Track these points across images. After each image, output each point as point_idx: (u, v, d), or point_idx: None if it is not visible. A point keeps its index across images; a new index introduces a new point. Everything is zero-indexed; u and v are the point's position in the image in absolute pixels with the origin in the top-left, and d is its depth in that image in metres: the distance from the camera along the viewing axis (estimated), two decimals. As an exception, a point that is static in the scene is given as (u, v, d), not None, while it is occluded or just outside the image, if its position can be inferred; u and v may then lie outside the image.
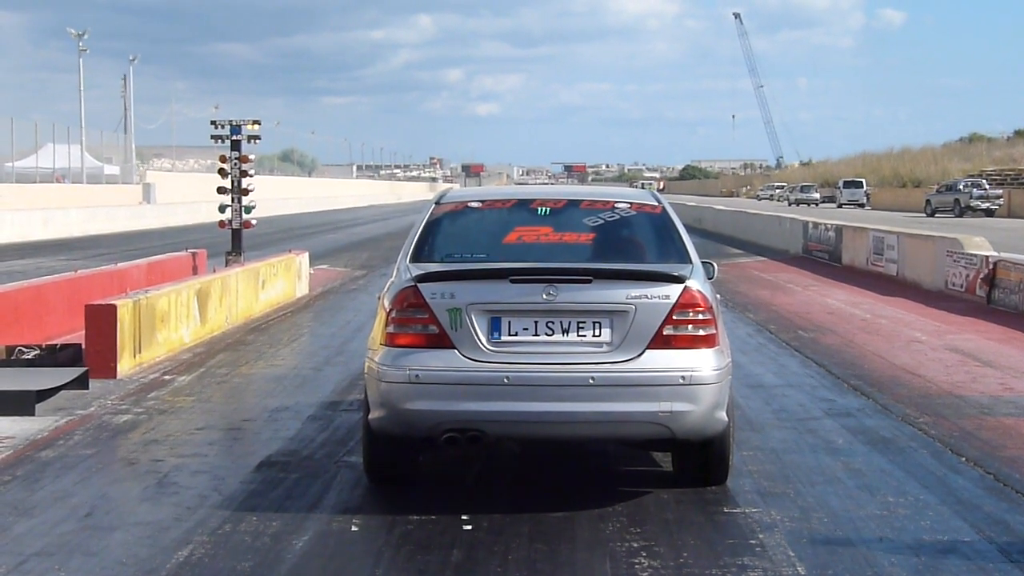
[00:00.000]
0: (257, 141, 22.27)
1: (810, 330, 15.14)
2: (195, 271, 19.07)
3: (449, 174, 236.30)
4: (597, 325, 6.64)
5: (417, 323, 6.65)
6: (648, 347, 6.61)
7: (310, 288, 20.89)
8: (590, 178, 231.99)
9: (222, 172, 21.99)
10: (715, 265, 7.70)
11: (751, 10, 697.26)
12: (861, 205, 76.31)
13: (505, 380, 6.53)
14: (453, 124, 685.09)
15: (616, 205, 7.64)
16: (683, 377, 6.56)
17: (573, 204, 7.67)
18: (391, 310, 6.74)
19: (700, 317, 6.68)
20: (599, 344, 6.63)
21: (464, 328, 6.60)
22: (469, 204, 7.83)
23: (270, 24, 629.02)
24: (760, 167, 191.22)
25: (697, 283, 6.79)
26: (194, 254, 20.04)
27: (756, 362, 12.48)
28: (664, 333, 6.62)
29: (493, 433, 6.70)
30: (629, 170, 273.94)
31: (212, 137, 22.16)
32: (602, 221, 7.49)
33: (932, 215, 58.08)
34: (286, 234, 42.09)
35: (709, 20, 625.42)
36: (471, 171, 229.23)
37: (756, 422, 9.32)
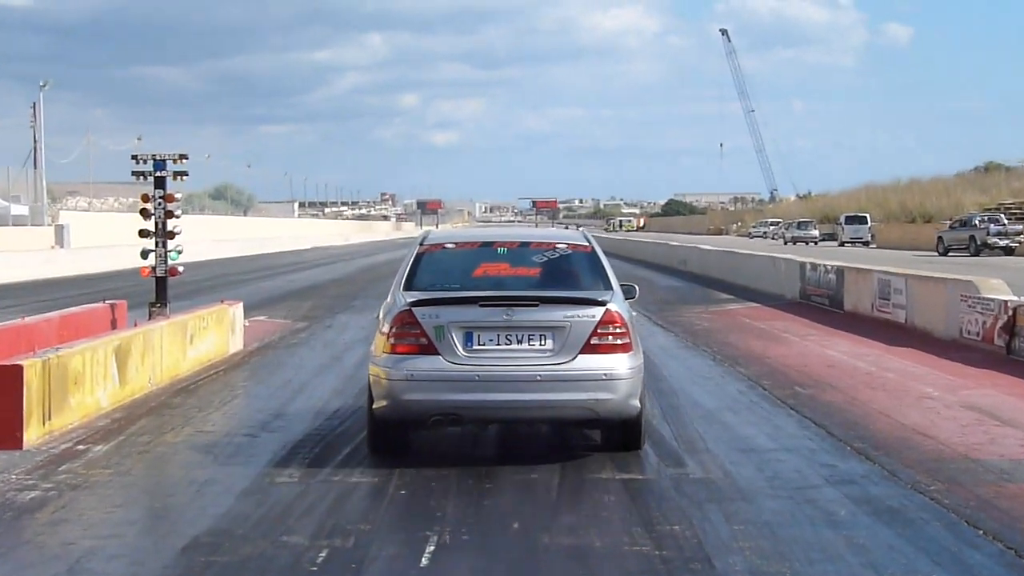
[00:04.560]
0: (184, 178, 22.18)
1: (808, 386, 15.20)
2: (114, 325, 18.95)
3: (403, 211, 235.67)
4: (543, 337, 9.99)
5: (412, 336, 10.00)
6: (580, 352, 9.97)
7: (245, 343, 20.82)
8: (562, 215, 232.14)
9: (144, 213, 21.87)
10: (636, 287, 11.37)
11: (741, 26, 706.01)
12: (866, 243, 76.99)
13: (476, 377, 9.90)
14: (407, 155, 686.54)
15: (556, 246, 11.18)
16: (605, 374, 9.94)
17: (525, 245, 11.24)
18: (392, 327, 10.08)
19: (618, 331, 10.07)
20: (544, 351, 9.98)
21: (446, 340, 9.94)
22: (445, 245, 11.41)
23: (202, 45, 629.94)
24: (752, 201, 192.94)
25: (616, 305, 10.21)
26: (113, 305, 19.93)
27: (748, 423, 12.51)
28: (591, 342, 9.99)
29: (468, 416, 10.19)
30: (605, 205, 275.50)
31: (133, 173, 22.05)
32: (546, 258, 11.02)
33: (945, 254, 58.65)
34: (218, 281, 42.00)
35: (694, 37, 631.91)
36: (427, 208, 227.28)
37: (747, 491, 9.34)
